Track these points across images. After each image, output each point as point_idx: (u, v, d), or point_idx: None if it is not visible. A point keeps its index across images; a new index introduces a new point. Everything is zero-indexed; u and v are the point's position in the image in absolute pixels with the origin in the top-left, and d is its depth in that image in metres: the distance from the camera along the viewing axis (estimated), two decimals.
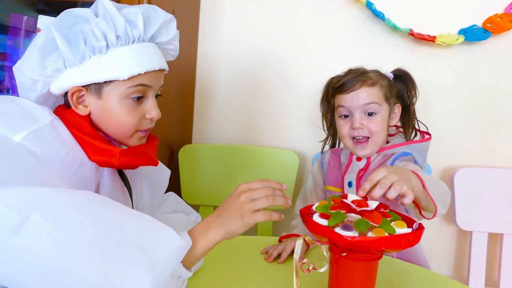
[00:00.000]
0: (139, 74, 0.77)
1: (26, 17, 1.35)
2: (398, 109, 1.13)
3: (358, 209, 0.71)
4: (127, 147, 0.83)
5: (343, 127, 1.10)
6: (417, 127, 1.16)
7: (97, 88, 0.78)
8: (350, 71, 1.14)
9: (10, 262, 0.54)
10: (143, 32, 0.78)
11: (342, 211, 0.71)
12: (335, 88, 1.12)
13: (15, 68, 0.79)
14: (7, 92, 1.37)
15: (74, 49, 0.75)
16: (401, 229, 0.68)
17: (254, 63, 1.63)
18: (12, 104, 0.76)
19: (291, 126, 1.65)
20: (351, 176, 1.10)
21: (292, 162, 1.54)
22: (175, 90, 1.47)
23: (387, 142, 1.14)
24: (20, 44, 1.35)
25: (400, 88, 1.15)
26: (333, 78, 1.17)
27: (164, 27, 0.83)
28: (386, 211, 0.72)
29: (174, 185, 1.51)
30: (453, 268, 1.63)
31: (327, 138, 1.24)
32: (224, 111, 1.68)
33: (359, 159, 1.11)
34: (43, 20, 1.34)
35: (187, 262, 0.67)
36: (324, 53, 1.60)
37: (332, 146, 1.25)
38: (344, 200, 0.73)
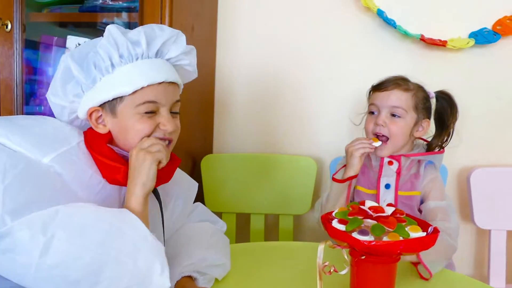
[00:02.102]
0: (145, 90, 0.81)
1: (56, 38, 1.44)
2: (426, 125, 1.20)
3: (375, 214, 0.76)
4: None
5: (369, 123, 1.19)
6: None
7: (111, 107, 0.83)
8: (393, 76, 1.21)
9: (47, 280, 0.65)
10: (146, 49, 0.83)
11: (359, 217, 0.76)
12: (374, 86, 1.21)
13: (47, 96, 0.88)
14: (39, 108, 1.46)
15: (86, 73, 0.82)
16: (416, 233, 0.72)
17: (270, 74, 1.69)
18: (45, 125, 0.83)
19: (308, 133, 1.70)
20: (388, 179, 1.17)
21: (310, 168, 1.59)
22: (196, 103, 1.54)
23: (411, 149, 1.21)
24: (50, 62, 1.44)
25: (440, 109, 1.22)
26: (378, 80, 1.24)
27: (171, 42, 0.87)
28: (402, 216, 0.77)
29: (198, 194, 1.57)
30: (474, 267, 1.66)
31: None
32: (242, 121, 1.74)
33: (390, 163, 1.17)
34: (71, 40, 1.43)
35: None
36: (337, 61, 1.65)
37: None
38: (362, 206, 0.79)
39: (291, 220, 1.60)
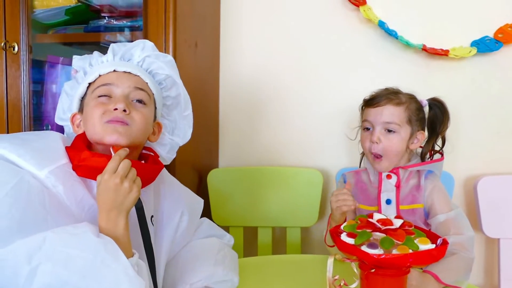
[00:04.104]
0: (101, 78, 0.89)
1: (62, 58, 1.46)
2: (421, 136, 1.19)
3: (383, 227, 0.76)
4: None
5: (365, 141, 1.18)
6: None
7: (81, 107, 0.92)
8: (384, 89, 1.21)
9: None
10: (112, 55, 0.92)
11: (368, 230, 0.76)
12: (365, 101, 1.21)
13: (55, 121, 0.99)
14: (46, 127, 1.48)
15: (73, 89, 0.95)
16: (425, 246, 0.72)
17: (273, 87, 1.70)
18: (46, 139, 0.86)
19: (313, 145, 1.70)
20: (388, 194, 1.16)
21: (316, 180, 1.59)
22: (200, 118, 1.55)
23: (409, 160, 1.20)
24: (57, 82, 1.46)
25: (433, 116, 1.22)
26: (370, 94, 1.23)
27: (137, 49, 0.93)
28: (410, 228, 0.77)
29: (205, 208, 1.57)
30: (484, 276, 1.64)
31: (363, 153, 1.29)
32: (247, 134, 1.75)
33: (389, 176, 1.17)
34: (76, 61, 1.45)
35: (125, 251, 0.73)
36: (340, 72, 1.66)
37: None
38: (370, 219, 0.79)
39: (298, 232, 1.60)
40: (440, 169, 1.20)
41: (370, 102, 1.19)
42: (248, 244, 1.64)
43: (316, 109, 1.69)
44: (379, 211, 1.16)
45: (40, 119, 1.47)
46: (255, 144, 1.74)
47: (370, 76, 1.63)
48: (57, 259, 0.67)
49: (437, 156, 1.22)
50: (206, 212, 1.57)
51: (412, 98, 1.19)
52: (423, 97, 1.24)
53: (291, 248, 1.60)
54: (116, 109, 0.84)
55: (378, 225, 0.77)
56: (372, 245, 0.72)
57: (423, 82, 1.60)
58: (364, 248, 0.72)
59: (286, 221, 1.60)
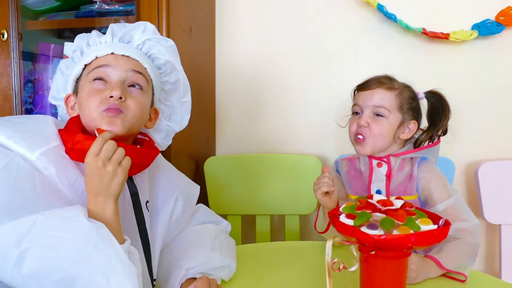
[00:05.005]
0: (97, 60, 0.85)
1: (53, 45, 1.43)
2: (413, 126, 1.14)
3: (383, 208, 0.73)
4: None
5: (352, 124, 1.15)
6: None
7: (76, 88, 0.88)
8: (379, 75, 1.16)
9: (24, 286, 0.63)
10: (111, 36, 0.88)
11: (368, 211, 0.73)
12: (357, 86, 1.17)
13: (49, 99, 0.94)
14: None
15: (69, 67, 0.91)
16: (427, 226, 0.70)
17: (270, 73, 1.67)
18: (38, 122, 0.83)
19: (312, 132, 1.68)
20: (378, 184, 1.13)
21: (315, 167, 1.57)
22: (196, 105, 1.51)
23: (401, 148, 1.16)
24: (49, 70, 1.43)
25: (432, 109, 1.16)
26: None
27: (137, 31, 0.90)
28: (411, 209, 0.74)
29: (202, 197, 1.55)
30: (485, 262, 1.62)
31: None
32: (245, 121, 1.72)
33: (379, 165, 1.13)
34: (68, 47, 1.42)
35: (116, 237, 0.70)
36: (339, 56, 1.63)
37: None
38: (370, 200, 0.76)
39: (297, 220, 1.58)
40: (435, 154, 1.16)
41: (361, 86, 1.16)
42: (246, 232, 1.61)
43: (315, 95, 1.66)
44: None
45: (31, 107, 1.44)
46: (253, 131, 1.72)
47: (369, 60, 1.60)
48: (47, 243, 0.64)
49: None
50: (203, 201, 1.54)
51: (406, 86, 1.15)
52: (423, 82, 1.19)
53: (289, 236, 1.58)
54: (111, 96, 0.81)
55: (378, 206, 0.74)
56: (372, 226, 0.69)
57: (423, 67, 1.58)
58: (363, 229, 0.70)
59: (284, 209, 1.58)
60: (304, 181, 1.56)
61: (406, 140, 1.16)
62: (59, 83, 0.93)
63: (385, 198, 0.77)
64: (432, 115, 1.17)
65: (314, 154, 1.62)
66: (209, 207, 1.54)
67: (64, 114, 0.92)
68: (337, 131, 1.64)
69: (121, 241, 0.72)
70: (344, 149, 1.62)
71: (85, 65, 0.87)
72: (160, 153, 0.99)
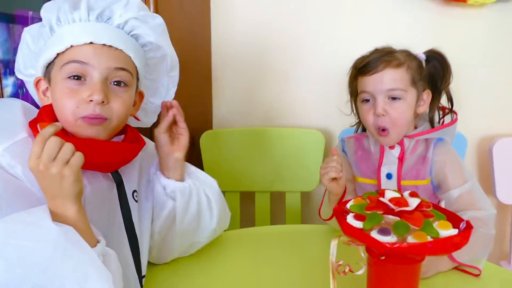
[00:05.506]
0: (72, 50, 0.72)
1: (31, 12, 1.30)
2: (427, 96, 1.04)
3: (397, 209, 0.65)
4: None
5: (367, 115, 1.03)
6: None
7: (48, 74, 0.76)
8: (375, 51, 1.05)
9: None
10: (86, 12, 0.74)
11: (379, 212, 0.65)
12: (358, 69, 1.04)
13: (15, 71, 0.82)
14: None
15: (36, 42, 0.77)
16: (446, 231, 0.61)
17: (270, 39, 1.55)
18: (2, 110, 0.73)
19: (314, 104, 1.58)
20: (389, 167, 1.04)
21: (318, 141, 1.48)
22: (191, 76, 1.41)
23: (415, 127, 1.07)
24: None
25: (432, 71, 1.05)
26: (358, 59, 1.08)
27: (119, 6, 0.76)
28: (428, 209, 0.66)
29: None
30: (494, 243, 1.53)
31: (359, 123, 1.16)
32: (243, 93, 1.61)
33: (392, 146, 1.04)
34: (42, 12, 1.30)
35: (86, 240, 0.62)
36: (345, 20, 1.51)
37: (364, 130, 1.16)
38: (381, 199, 0.67)
39: (298, 197, 1.50)
40: (452, 134, 1.06)
41: (364, 69, 1.02)
42: (245, 209, 1.55)
43: (317, 64, 1.54)
44: (378, 186, 1.05)
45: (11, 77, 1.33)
46: (252, 103, 1.61)
47: (378, 26, 1.47)
48: (10, 255, 0.56)
49: (448, 119, 1.08)
50: None
51: (409, 55, 1.03)
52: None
53: (290, 214, 1.51)
54: (91, 100, 0.70)
55: (391, 205, 0.65)
56: (383, 231, 0.61)
57: (438, 32, 1.45)
58: (374, 234, 0.61)
59: (285, 185, 1.50)
60: (305, 156, 1.48)
61: (417, 115, 1.06)
62: (26, 58, 0.80)
63: (399, 195, 0.68)
64: (433, 78, 1.05)
65: (316, 127, 1.53)
66: None
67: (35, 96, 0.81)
68: (341, 102, 1.54)
69: (93, 243, 0.64)
70: (349, 121, 1.53)
71: (58, 53, 0.74)
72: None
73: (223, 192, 1.48)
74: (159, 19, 0.82)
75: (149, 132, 0.95)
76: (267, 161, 1.49)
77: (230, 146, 1.51)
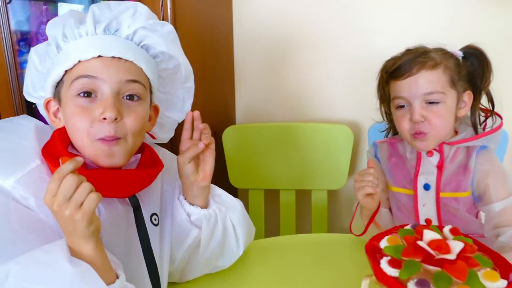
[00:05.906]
0: (80, 65, 0.69)
1: (45, 6, 1.25)
2: (469, 98, 0.96)
3: (437, 255, 0.58)
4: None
5: (402, 122, 0.95)
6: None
7: (57, 94, 0.73)
8: (407, 51, 0.96)
9: None
10: (92, 26, 0.71)
11: (417, 259, 0.59)
12: (390, 73, 0.96)
13: (24, 94, 0.79)
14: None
15: (43, 62, 0.75)
16: (494, 284, 0.55)
17: (295, 30, 1.46)
18: (12, 134, 0.70)
19: (342, 96, 1.49)
20: (427, 177, 0.97)
21: (345, 137, 1.40)
22: (213, 70, 1.35)
23: (455, 131, 0.99)
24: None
25: (471, 69, 0.96)
26: (388, 61, 1.00)
27: (125, 16, 0.72)
28: (472, 255, 0.59)
29: (221, 170, 1.44)
30: None
31: (389, 129, 1.09)
32: (267, 87, 1.54)
33: (430, 153, 0.96)
34: (63, 8, 1.24)
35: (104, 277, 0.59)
36: (373, 11, 1.40)
37: (395, 134, 1.09)
38: (419, 243, 0.61)
39: (325, 196, 1.45)
40: (496, 141, 0.97)
41: (396, 73, 0.94)
42: (270, 208, 1.51)
43: (346, 54, 1.45)
44: (414, 197, 0.98)
45: None
46: (276, 97, 1.54)
47: (412, 12, 1.35)
48: None
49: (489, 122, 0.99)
50: (223, 175, 1.44)
51: (445, 53, 0.94)
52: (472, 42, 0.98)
53: (316, 214, 1.46)
54: (105, 118, 0.67)
55: (430, 250, 0.59)
56: (422, 283, 0.55)
57: (479, 22, 1.33)
58: (411, 286, 0.56)
59: (311, 183, 1.44)
60: (333, 153, 1.42)
61: (458, 119, 0.98)
62: (34, 78, 0.77)
63: (439, 236, 0.62)
64: (472, 77, 0.97)
65: (344, 122, 1.45)
66: (229, 181, 1.44)
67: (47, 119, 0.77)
68: (371, 95, 1.45)
69: (112, 279, 0.61)
70: (379, 117, 1.45)
71: (66, 70, 0.71)
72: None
73: (247, 190, 1.46)
74: (168, 27, 0.78)
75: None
76: (292, 157, 1.44)
77: (253, 142, 1.45)
